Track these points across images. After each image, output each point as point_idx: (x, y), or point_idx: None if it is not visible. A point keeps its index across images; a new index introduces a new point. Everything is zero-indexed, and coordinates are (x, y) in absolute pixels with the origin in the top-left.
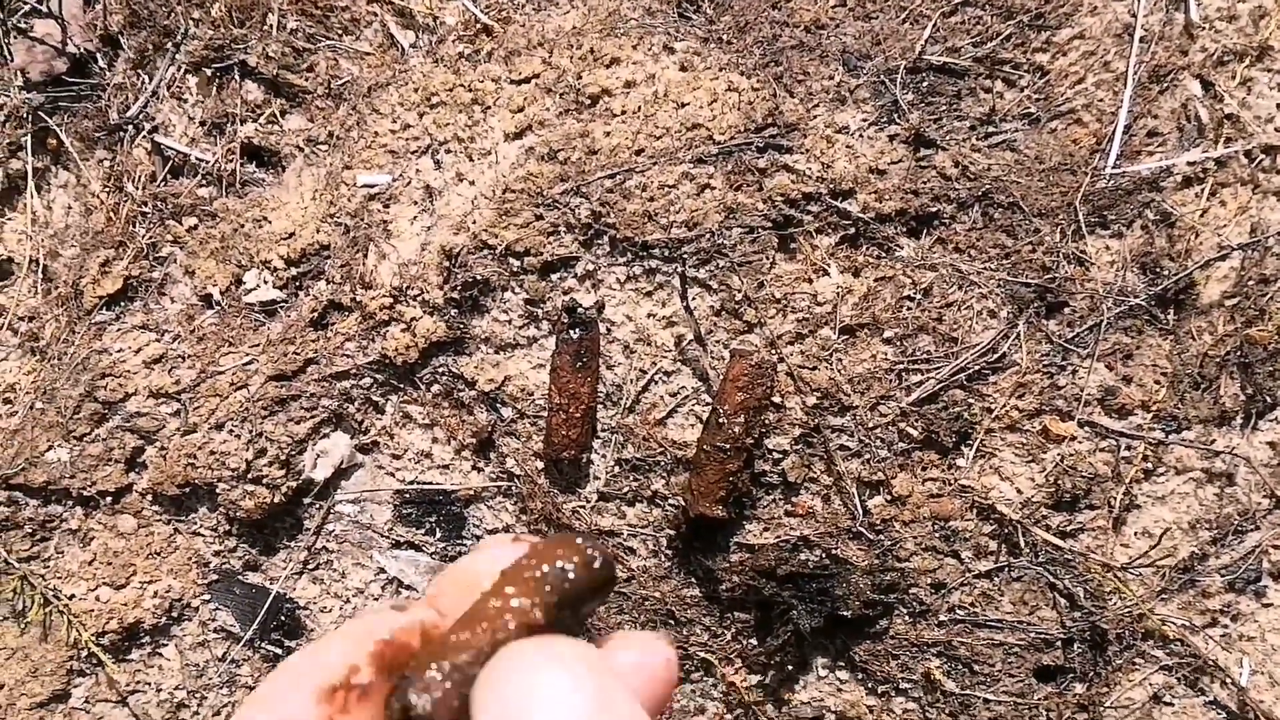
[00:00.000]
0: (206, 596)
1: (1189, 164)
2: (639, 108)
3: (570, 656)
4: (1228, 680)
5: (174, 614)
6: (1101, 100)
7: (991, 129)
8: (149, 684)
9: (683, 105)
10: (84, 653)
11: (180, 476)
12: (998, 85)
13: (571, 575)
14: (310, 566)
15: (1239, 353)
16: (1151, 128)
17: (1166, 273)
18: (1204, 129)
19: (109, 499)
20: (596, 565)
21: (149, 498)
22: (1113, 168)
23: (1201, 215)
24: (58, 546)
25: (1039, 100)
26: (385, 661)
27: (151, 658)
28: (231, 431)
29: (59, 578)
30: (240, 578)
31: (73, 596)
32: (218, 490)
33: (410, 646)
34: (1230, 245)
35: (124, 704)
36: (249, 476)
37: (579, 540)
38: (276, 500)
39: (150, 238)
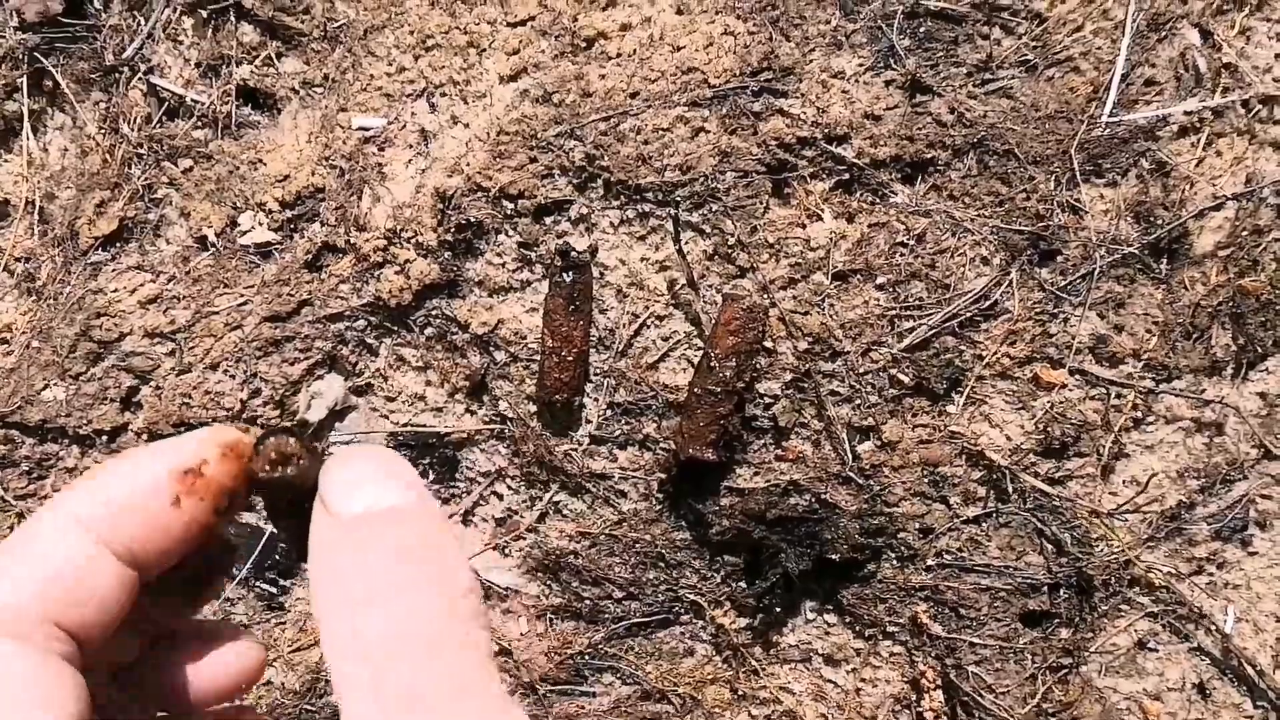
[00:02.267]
0: None
1: (1186, 113)
2: (634, 51)
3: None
4: (1212, 627)
5: None
6: (1099, 48)
7: (988, 76)
8: None
9: (678, 49)
10: None
11: (175, 416)
12: (995, 32)
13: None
14: None
15: (1231, 303)
16: (1149, 76)
17: (1160, 222)
18: (1202, 78)
19: (105, 437)
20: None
21: (144, 437)
22: (1109, 116)
23: (1197, 165)
24: (54, 485)
25: (1036, 48)
26: (227, 462)
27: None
28: (226, 372)
29: None
30: (235, 517)
31: None
32: None
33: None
34: (1225, 195)
35: None
36: (244, 417)
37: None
38: None
39: (146, 179)
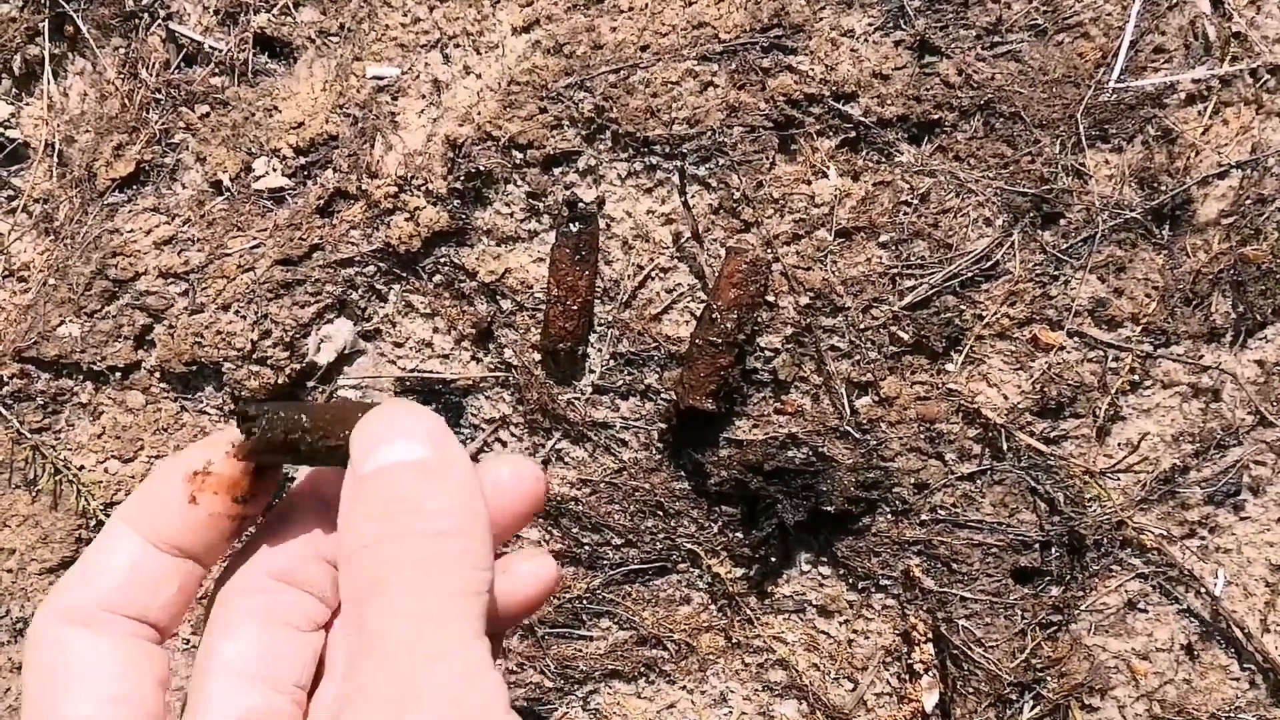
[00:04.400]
0: None
1: (1193, 81)
2: (646, 4)
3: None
4: (1202, 590)
5: None
6: (1109, 14)
7: (997, 39)
8: None
9: (690, 3)
10: (93, 522)
11: (187, 355)
12: None
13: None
14: None
15: (1233, 271)
16: (1158, 44)
17: (1164, 188)
18: (1211, 47)
19: (118, 375)
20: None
21: (157, 375)
22: (1116, 82)
23: (1203, 133)
24: (68, 419)
25: (1047, 12)
26: (232, 458)
27: None
28: (238, 312)
29: (69, 449)
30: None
31: (82, 467)
32: (224, 369)
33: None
34: (1230, 164)
35: None
36: (254, 357)
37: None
38: (280, 382)
39: (163, 124)
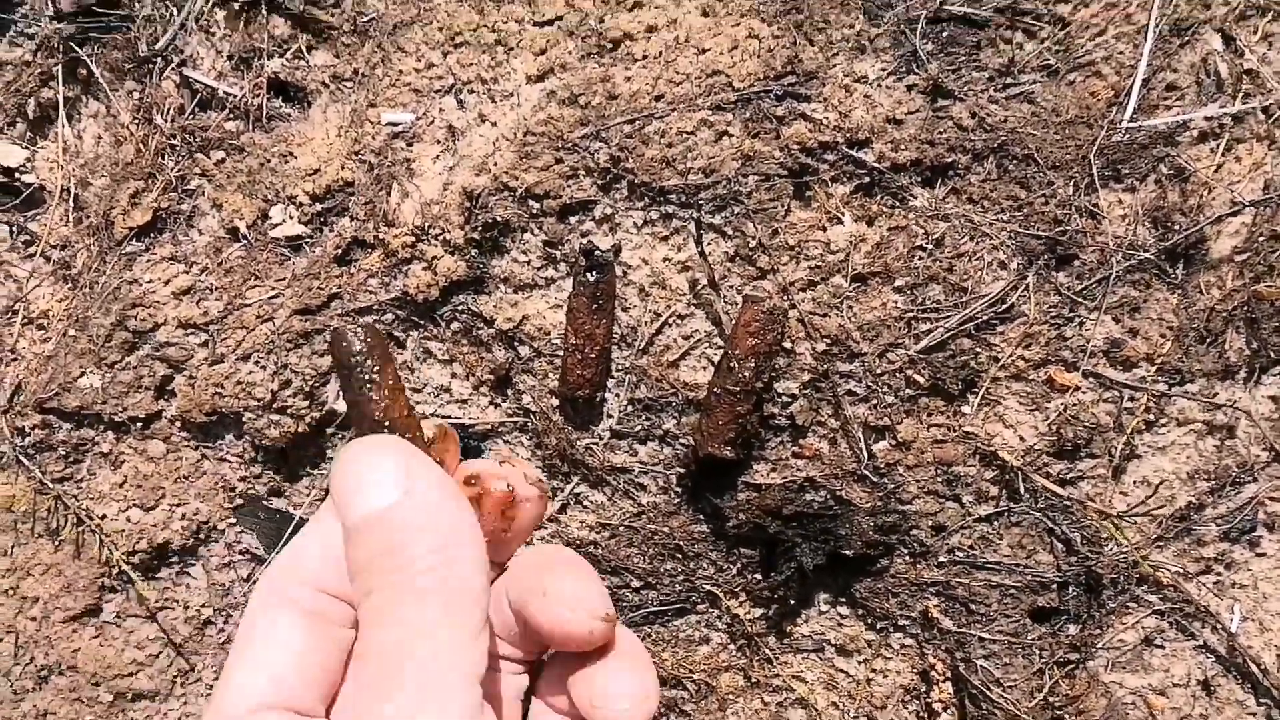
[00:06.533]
0: (232, 520)
1: (1206, 119)
2: (660, 53)
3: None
4: (1218, 626)
5: (201, 535)
6: (1121, 53)
7: (1010, 80)
8: (177, 601)
9: (704, 51)
10: (115, 570)
11: (208, 405)
12: (1018, 36)
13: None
14: None
15: (1246, 308)
16: (1170, 82)
17: (1177, 227)
18: (1223, 84)
19: (139, 424)
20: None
21: (178, 424)
22: (1129, 121)
23: (1216, 171)
24: (90, 469)
25: (1058, 52)
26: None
27: (179, 577)
28: (257, 363)
29: (91, 499)
30: (265, 502)
31: (104, 517)
32: (244, 419)
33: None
34: (1243, 201)
35: (153, 620)
36: (274, 406)
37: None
38: (301, 430)
39: (179, 170)
